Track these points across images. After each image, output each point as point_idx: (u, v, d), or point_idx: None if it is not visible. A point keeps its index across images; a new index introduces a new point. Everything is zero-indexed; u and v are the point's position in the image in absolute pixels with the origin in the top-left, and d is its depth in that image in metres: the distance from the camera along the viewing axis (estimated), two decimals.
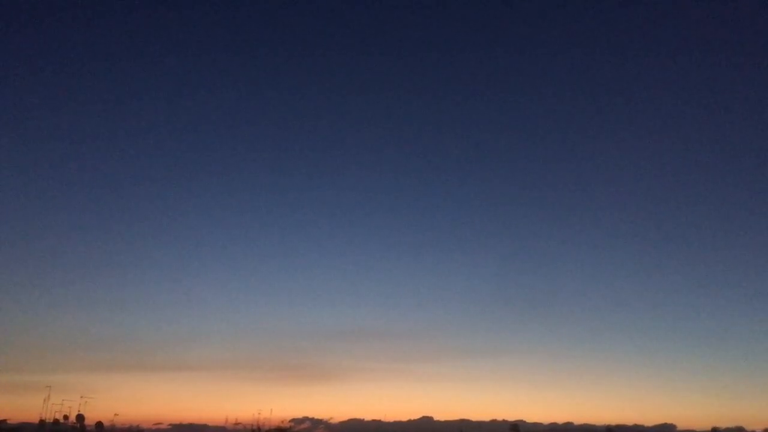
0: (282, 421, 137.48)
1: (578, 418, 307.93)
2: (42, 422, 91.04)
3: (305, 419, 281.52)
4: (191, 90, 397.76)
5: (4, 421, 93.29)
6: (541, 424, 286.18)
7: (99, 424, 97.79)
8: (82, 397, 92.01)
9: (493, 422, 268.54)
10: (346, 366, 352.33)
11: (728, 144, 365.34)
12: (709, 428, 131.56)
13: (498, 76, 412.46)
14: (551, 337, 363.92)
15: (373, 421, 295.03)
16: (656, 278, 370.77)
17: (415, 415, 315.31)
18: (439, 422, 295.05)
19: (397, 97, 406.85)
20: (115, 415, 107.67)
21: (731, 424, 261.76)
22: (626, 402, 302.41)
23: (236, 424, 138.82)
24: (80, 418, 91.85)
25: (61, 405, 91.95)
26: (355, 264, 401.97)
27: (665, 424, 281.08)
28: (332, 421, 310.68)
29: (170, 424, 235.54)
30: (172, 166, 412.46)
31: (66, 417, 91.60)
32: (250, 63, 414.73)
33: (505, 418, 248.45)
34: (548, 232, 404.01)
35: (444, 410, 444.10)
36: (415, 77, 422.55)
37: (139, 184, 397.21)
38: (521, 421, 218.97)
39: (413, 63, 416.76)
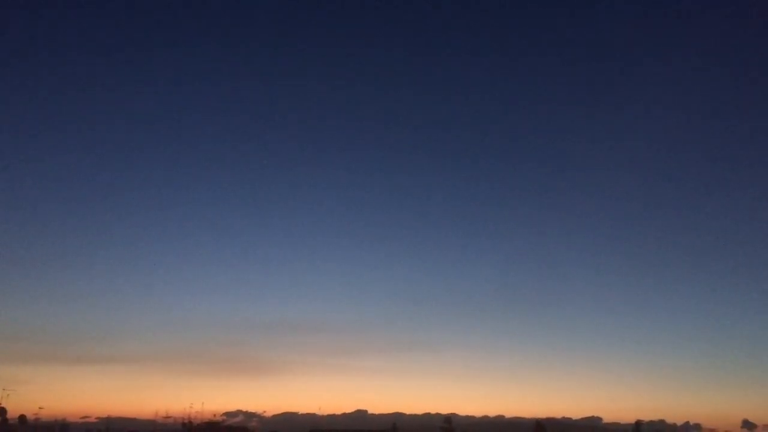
0: (214, 415, 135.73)
1: (509, 411, 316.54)
2: None
3: (238, 413, 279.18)
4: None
5: None
6: (473, 417, 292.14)
7: (22, 418, 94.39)
8: (4, 389, 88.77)
9: (427, 415, 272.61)
10: (280, 359, 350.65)
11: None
12: (633, 421, 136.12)
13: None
14: (483, 333, 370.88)
15: (308, 414, 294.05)
16: (580, 279, 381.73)
17: (350, 408, 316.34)
18: (373, 415, 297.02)
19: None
20: (40, 408, 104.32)
21: (654, 417, 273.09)
22: (555, 396, 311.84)
23: (167, 417, 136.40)
24: (2, 411, 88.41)
25: None
26: (290, 257, 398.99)
27: (592, 417, 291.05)
28: (266, 414, 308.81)
29: (98, 418, 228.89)
30: (101, 165, 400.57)
31: None
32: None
33: (439, 412, 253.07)
34: (480, 231, 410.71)
35: (378, 404, 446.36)
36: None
37: (59, 179, 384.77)
38: (454, 414, 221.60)
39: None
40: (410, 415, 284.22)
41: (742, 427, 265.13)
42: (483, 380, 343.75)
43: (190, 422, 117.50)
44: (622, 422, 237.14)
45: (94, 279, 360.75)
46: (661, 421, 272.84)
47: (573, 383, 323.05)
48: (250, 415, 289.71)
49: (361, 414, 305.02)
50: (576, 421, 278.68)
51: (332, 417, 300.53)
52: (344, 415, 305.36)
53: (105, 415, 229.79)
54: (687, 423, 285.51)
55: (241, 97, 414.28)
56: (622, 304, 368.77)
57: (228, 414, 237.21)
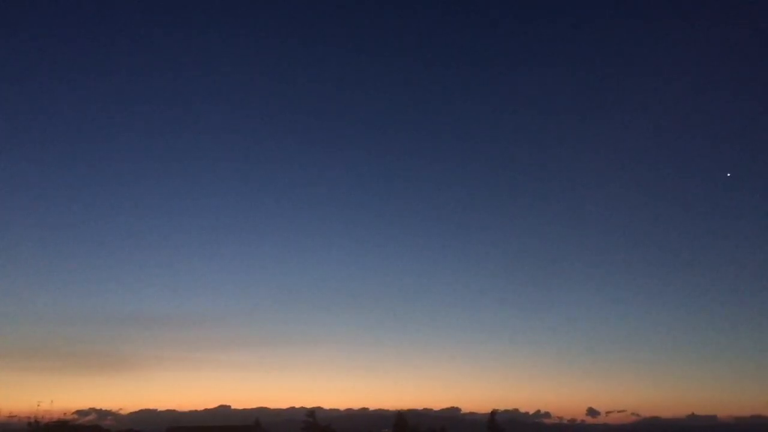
0: (64, 413, 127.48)
1: (372, 404, 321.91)
2: None
3: (91, 411, 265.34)
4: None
5: None
6: (337, 410, 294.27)
7: None
8: None
9: (291, 410, 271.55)
10: (137, 354, 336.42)
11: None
12: (489, 410, 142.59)
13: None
14: (347, 327, 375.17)
15: (167, 411, 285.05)
16: (439, 275, 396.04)
17: (212, 404, 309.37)
18: (236, 411, 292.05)
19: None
20: None
21: (509, 407, 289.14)
22: (416, 388, 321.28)
23: (11, 416, 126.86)
24: None
25: None
26: (148, 249, 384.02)
27: (451, 407, 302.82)
28: (122, 412, 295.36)
29: None
30: None
31: None
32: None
33: (303, 405, 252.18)
34: (343, 226, 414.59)
35: (241, 399, 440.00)
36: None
37: None
38: (318, 408, 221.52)
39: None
40: (275, 410, 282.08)
41: (587, 414, 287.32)
42: (347, 374, 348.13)
43: (37, 422, 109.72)
44: (479, 412, 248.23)
45: None
46: (515, 410, 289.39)
47: (433, 376, 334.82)
48: (104, 413, 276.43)
49: (223, 409, 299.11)
50: (436, 411, 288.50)
51: (193, 413, 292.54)
52: (206, 411, 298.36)
53: None
54: (538, 411, 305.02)
55: None
56: (477, 300, 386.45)
57: (80, 412, 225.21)
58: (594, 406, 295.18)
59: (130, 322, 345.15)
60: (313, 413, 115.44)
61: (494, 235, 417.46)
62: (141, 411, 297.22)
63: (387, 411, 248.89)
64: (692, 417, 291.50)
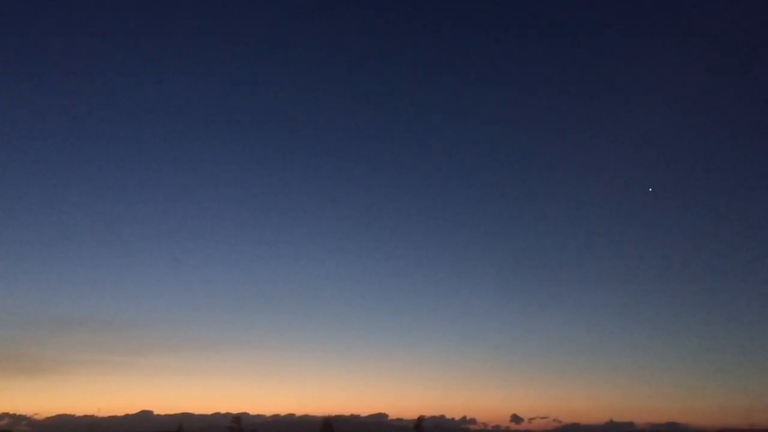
0: None
1: (299, 409, 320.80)
2: None
3: (4, 416, 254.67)
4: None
5: None
6: (263, 416, 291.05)
7: None
8: None
9: (216, 415, 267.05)
10: (53, 356, 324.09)
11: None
12: (416, 417, 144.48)
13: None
14: (273, 331, 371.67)
15: (85, 416, 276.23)
16: (367, 279, 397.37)
17: (133, 409, 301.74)
18: (158, 416, 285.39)
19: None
20: None
21: (435, 413, 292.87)
22: (343, 394, 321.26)
23: None
24: None
25: None
26: (69, 248, 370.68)
27: (379, 413, 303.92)
28: (37, 417, 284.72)
29: None
30: None
31: None
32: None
33: (229, 411, 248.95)
34: (271, 229, 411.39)
35: (164, 404, 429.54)
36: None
37: None
38: (244, 413, 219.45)
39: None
40: (199, 416, 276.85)
41: (510, 420, 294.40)
42: (273, 379, 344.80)
43: None
44: (405, 418, 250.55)
45: None
46: (442, 416, 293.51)
47: (360, 381, 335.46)
48: (18, 418, 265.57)
49: (145, 415, 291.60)
50: (363, 418, 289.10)
51: (113, 419, 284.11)
52: (127, 416, 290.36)
53: None
54: (464, 418, 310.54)
55: None
56: (404, 306, 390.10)
57: None
58: (518, 413, 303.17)
59: (46, 324, 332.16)
60: (238, 419, 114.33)
61: (418, 242, 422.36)
62: (57, 416, 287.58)
63: (314, 417, 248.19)
64: (611, 423, 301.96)
